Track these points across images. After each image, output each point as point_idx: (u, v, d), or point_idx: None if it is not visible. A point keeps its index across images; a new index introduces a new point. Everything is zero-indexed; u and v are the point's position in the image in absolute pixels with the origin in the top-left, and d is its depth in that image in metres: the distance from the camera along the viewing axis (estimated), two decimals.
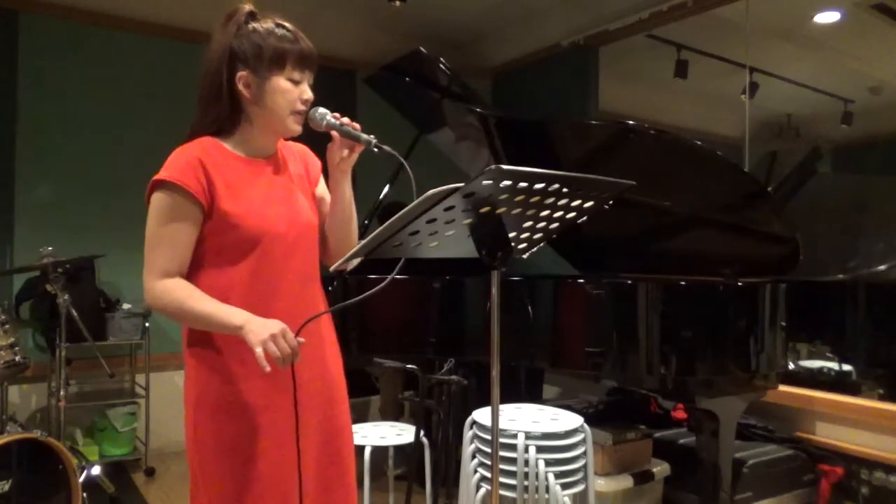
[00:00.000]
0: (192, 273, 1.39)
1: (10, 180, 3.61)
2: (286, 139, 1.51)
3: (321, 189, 1.59)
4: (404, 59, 2.94)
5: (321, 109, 1.42)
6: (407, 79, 3.02)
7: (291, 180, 1.50)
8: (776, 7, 3.50)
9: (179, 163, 1.35)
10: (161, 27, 4.00)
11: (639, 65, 4.36)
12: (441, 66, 2.83)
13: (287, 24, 1.41)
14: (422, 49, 2.85)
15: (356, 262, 1.49)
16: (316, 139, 1.50)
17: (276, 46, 1.37)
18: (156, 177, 1.35)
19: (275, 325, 1.27)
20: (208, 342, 1.39)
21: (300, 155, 1.58)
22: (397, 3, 3.86)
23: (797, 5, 3.55)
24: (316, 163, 1.59)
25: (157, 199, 1.36)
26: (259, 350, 1.24)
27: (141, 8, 3.87)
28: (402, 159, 1.42)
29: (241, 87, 1.38)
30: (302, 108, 1.41)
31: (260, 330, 1.26)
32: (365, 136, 1.40)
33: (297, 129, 1.43)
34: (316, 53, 1.42)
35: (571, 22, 4.21)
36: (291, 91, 1.39)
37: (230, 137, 1.43)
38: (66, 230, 3.67)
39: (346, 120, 1.42)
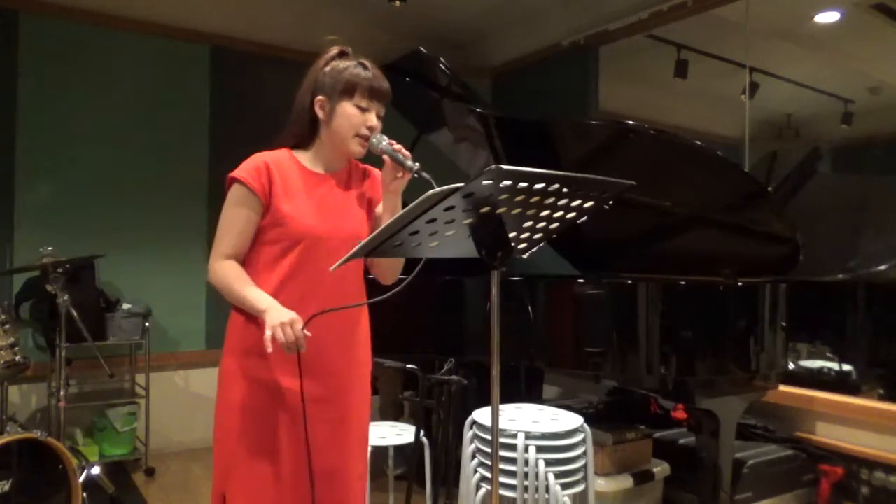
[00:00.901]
0: (248, 260, 1.62)
1: (10, 180, 3.61)
2: (355, 159, 1.71)
3: (380, 209, 1.73)
4: (404, 59, 2.94)
5: (379, 135, 1.60)
6: (407, 79, 3.02)
7: (351, 197, 1.70)
8: (776, 7, 3.49)
9: (250, 165, 1.60)
10: (161, 27, 4.00)
11: (639, 65, 4.36)
12: (441, 66, 2.83)
13: (368, 63, 1.64)
14: (422, 49, 2.85)
15: (398, 273, 1.71)
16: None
17: (350, 78, 1.59)
18: (230, 174, 1.60)
19: (287, 315, 1.45)
20: (244, 314, 1.58)
21: (369, 177, 1.77)
22: (397, 3, 3.87)
23: (797, 5, 3.55)
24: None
25: (231, 192, 1.61)
26: (268, 333, 1.43)
27: (141, 8, 3.87)
28: (436, 187, 1.48)
29: (317, 108, 1.62)
30: (365, 132, 1.60)
31: (275, 316, 1.45)
32: (410, 163, 1.55)
33: (359, 150, 1.63)
34: (388, 90, 1.64)
35: (571, 22, 4.22)
36: (357, 116, 1.60)
37: (305, 152, 1.67)
38: (66, 230, 3.67)
39: (398, 147, 1.58)
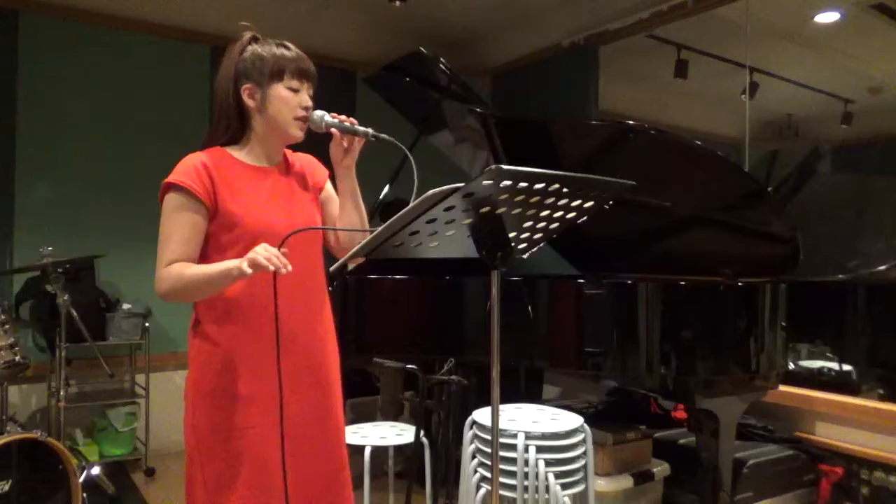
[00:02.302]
0: None
1: (10, 180, 3.61)
2: (290, 145, 1.62)
3: (327, 190, 1.69)
4: (404, 59, 2.94)
5: (319, 111, 1.53)
6: (407, 79, 3.02)
7: (295, 185, 1.62)
8: (776, 7, 3.49)
9: (186, 167, 1.49)
10: (161, 27, 4.00)
11: (639, 65, 4.35)
12: (441, 66, 2.83)
13: (289, 44, 1.56)
14: (422, 49, 2.85)
15: (359, 259, 1.58)
16: (322, 147, 1.59)
17: (276, 60, 1.51)
18: (165, 180, 1.48)
19: (256, 248, 1.36)
20: (206, 335, 1.52)
21: (307, 163, 1.69)
22: (397, 3, 3.86)
23: (797, 5, 3.54)
24: (322, 170, 1.70)
25: (167, 200, 1.49)
26: (244, 262, 1.34)
27: (141, 8, 3.87)
28: (402, 146, 1.52)
29: (246, 98, 1.53)
30: (302, 113, 1.53)
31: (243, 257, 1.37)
32: (362, 128, 1.51)
33: (299, 134, 1.55)
34: (314, 70, 1.56)
35: (571, 22, 4.21)
36: (291, 98, 1.52)
37: (239, 148, 1.57)
38: (66, 230, 3.67)
39: (343, 117, 1.53)
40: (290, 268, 1.34)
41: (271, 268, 1.32)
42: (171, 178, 1.48)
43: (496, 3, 4.06)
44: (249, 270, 1.33)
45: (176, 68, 4.07)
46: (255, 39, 1.56)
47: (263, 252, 1.33)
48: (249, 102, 1.53)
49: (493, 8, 4.12)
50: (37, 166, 3.67)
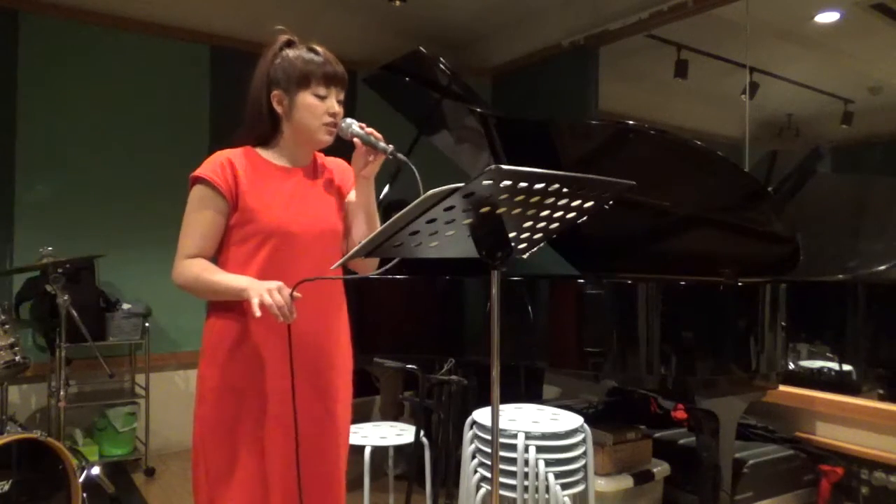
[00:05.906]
0: (219, 260, 1.58)
1: (10, 180, 3.61)
2: (319, 150, 1.67)
3: (351, 196, 1.70)
4: (404, 59, 2.93)
5: (348, 119, 1.56)
6: (407, 79, 3.02)
7: (320, 188, 1.65)
8: (776, 7, 3.49)
9: (212, 162, 1.56)
10: (161, 27, 4.00)
11: (639, 65, 4.36)
12: (441, 66, 2.83)
13: (318, 48, 1.60)
14: (422, 49, 2.85)
15: (376, 264, 1.67)
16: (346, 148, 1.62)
17: (303, 66, 1.55)
18: (192, 173, 1.55)
19: (272, 283, 1.41)
20: (215, 328, 1.57)
21: (337, 168, 1.72)
22: (397, 3, 3.86)
23: (797, 5, 3.54)
24: (351, 175, 1.70)
25: (193, 193, 1.55)
26: (255, 300, 1.38)
27: (141, 8, 3.87)
28: (413, 167, 1.54)
29: (275, 104, 1.58)
30: (329, 120, 1.56)
31: (259, 285, 1.42)
32: (383, 144, 1.53)
33: (327, 139, 1.59)
34: (343, 73, 1.59)
35: (571, 22, 4.22)
36: (317, 106, 1.55)
37: (269, 148, 1.63)
38: (66, 230, 3.67)
39: (370, 130, 1.55)
40: (294, 317, 1.40)
41: (281, 318, 1.38)
42: (197, 172, 1.54)
43: (496, 3, 4.06)
44: (258, 313, 1.37)
45: (176, 68, 4.07)
46: (288, 44, 1.60)
47: (278, 298, 1.37)
48: (278, 109, 1.58)
49: (493, 8, 4.12)
50: (37, 166, 3.67)
